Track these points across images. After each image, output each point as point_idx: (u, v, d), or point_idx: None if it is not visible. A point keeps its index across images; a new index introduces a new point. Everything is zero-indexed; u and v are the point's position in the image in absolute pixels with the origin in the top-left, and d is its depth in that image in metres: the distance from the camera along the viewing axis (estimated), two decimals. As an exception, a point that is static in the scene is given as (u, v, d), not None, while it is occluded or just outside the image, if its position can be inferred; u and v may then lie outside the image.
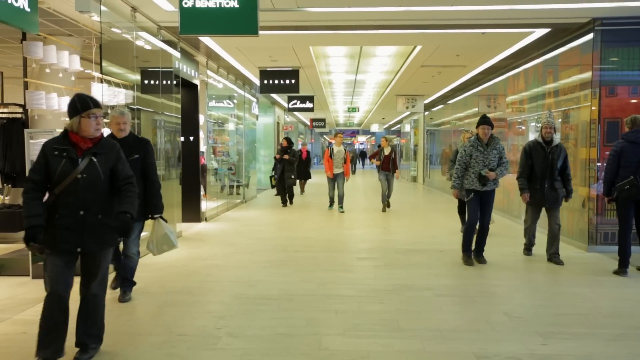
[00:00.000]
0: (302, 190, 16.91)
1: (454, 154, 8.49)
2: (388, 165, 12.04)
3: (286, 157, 13.05)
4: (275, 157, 13.38)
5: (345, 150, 12.02)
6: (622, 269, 6.14)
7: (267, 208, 13.04)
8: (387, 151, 12.17)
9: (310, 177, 16.60)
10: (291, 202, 13.51)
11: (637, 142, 5.94)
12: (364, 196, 16.52)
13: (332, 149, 11.94)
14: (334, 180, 12.01)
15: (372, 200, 15.16)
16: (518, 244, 7.52)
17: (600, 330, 4.24)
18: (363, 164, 45.89)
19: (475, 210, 6.50)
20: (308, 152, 16.81)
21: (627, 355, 3.75)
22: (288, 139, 13.38)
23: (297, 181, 16.37)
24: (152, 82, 7.97)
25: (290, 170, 13.14)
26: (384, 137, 13.00)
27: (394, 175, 12.16)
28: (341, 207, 12.06)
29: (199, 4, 5.85)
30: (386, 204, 12.22)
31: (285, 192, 13.26)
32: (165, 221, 4.81)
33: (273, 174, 16.04)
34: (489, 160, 6.45)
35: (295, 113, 25.81)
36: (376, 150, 13.56)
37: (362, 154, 46.15)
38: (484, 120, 6.52)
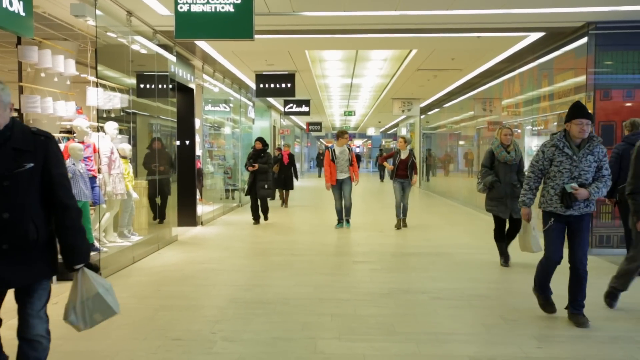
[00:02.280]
0: (285, 203, 14.14)
1: (488, 155, 6.65)
2: (405, 172, 9.91)
3: (252, 168, 10.52)
4: (246, 168, 10.82)
5: (349, 150, 10.06)
6: None
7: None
8: (404, 154, 9.98)
9: (292, 188, 14.14)
10: (265, 218, 10.88)
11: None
12: (362, 199, 16.52)
13: (334, 150, 9.87)
14: (339, 187, 9.85)
15: (371, 205, 15.12)
16: (517, 247, 7.49)
17: (595, 333, 4.25)
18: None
19: (556, 243, 4.53)
20: (291, 156, 14.26)
21: (622, 357, 3.76)
22: (262, 140, 10.89)
23: (277, 191, 14.20)
24: (147, 86, 7.97)
25: (264, 179, 10.58)
26: (402, 136, 10.76)
27: (410, 183, 10.02)
28: (347, 221, 10.03)
29: (194, 8, 5.86)
30: (402, 220, 10.07)
31: (257, 206, 10.66)
32: (97, 270, 2.94)
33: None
34: (580, 169, 4.35)
35: (292, 117, 25.83)
36: (390, 152, 11.37)
37: (357, 157, 46.07)
38: (580, 112, 4.34)
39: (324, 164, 10.04)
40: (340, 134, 10.16)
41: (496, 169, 6.56)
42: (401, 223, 9.98)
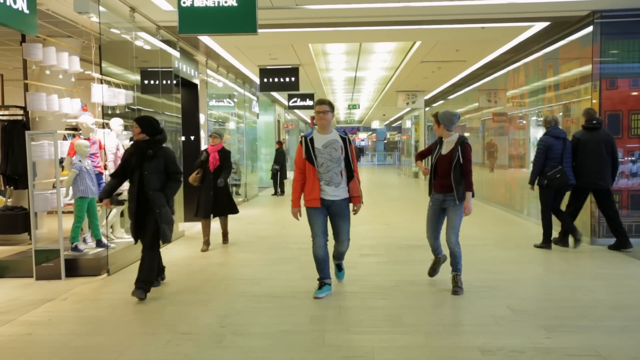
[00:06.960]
0: (225, 237, 7.95)
1: None
2: (447, 180, 5.10)
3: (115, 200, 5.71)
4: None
5: (345, 141, 5.05)
6: (547, 244, 7.09)
7: (268, 206, 13.04)
8: (446, 147, 5.17)
9: (234, 211, 7.78)
10: (159, 279, 5.54)
11: (560, 137, 6.94)
12: (366, 192, 16.42)
13: (311, 140, 4.99)
14: (324, 213, 5.12)
15: (375, 197, 15.01)
16: (523, 238, 7.50)
17: (604, 323, 4.23)
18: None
19: None
20: (224, 155, 7.48)
21: (631, 347, 3.75)
22: (147, 122, 5.12)
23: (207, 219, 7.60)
24: (152, 82, 7.98)
25: (158, 203, 4.98)
26: (435, 114, 5.31)
27: (461, 203, 5.17)
28: (339, 267, 5.62)
29: (197, 3, 5.85)
30: (452, 278, 5.22)
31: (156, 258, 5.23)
32: None
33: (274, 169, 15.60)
34: None
35: (296, 111, 25.81)
36: (429, 144, 5.65)
37: (360, 150, 45.25)
38: None
39: (294, 168, 5.19)
40: (319, 105, 5.03)
41: None
42: (434, 269, 5.60)
